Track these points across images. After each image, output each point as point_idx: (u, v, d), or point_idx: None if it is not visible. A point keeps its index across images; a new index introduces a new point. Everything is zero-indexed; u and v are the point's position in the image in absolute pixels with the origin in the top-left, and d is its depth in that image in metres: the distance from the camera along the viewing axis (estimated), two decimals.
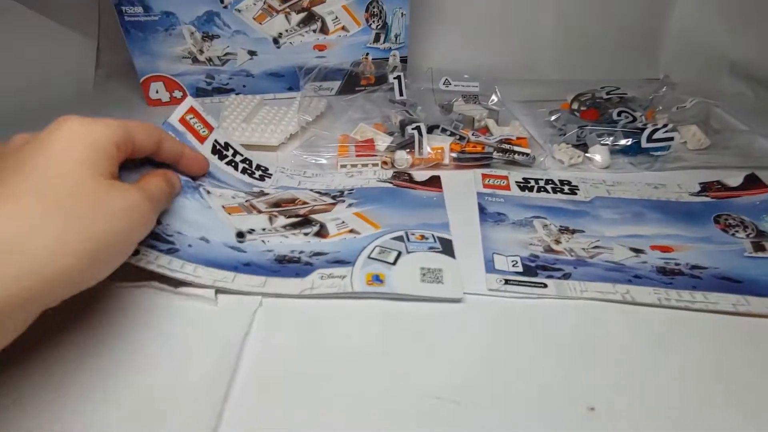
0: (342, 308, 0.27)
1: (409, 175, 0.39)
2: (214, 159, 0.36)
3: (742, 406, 0.22)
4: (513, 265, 0.30)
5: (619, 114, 0.44)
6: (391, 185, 0.38)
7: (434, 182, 0.38)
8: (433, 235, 0.32)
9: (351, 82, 0.54)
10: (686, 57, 0.61)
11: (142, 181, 0.27)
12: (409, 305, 0.27)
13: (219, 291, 0.27)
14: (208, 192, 0.34)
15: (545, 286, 0.28)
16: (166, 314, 0.26)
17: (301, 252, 0.31)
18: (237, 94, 0.53)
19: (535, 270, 0.30)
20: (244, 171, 0.38)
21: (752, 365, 0.24)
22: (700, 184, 0.38)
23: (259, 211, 0.35)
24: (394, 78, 0.48)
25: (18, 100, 0.52)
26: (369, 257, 0.30)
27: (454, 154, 0.39)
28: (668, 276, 0.29)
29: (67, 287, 0.21)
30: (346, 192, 0.37)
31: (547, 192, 0.37)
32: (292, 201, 0.36)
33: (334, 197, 0.37)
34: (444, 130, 0.41)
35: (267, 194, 0.37)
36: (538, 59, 0.63)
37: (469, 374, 0.24)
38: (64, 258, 0.20)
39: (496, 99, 0.49)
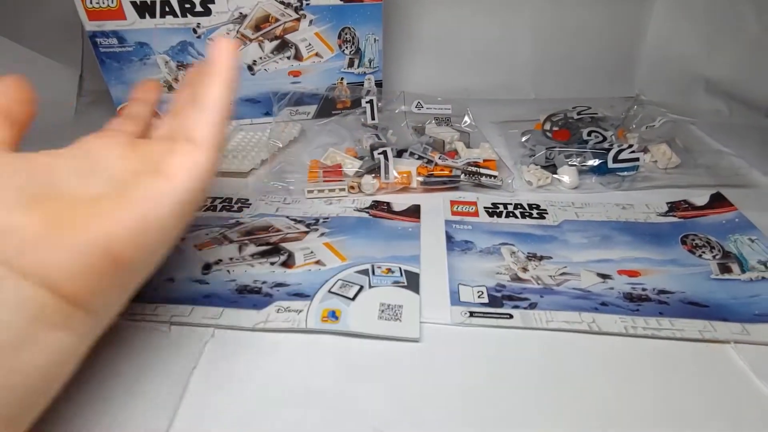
0: (295, 342, 0.27)
1: (388, 204, 0.39)
2: None
3: None
4: (479, 296, 0.29)
5: (589, 134, 0.44)
6: (367, 215, 0.38)
7: (413, 212, 0.38)
8: (400, 269, 0.32)
9: (327, 106, 0.54)
10: (662, 75, 0.62)
11: None
12: (364, 339, 0.27)
13: (173, 324, 0.27)
14: (183, 239, 0.35)
15: (511, 317, 0.28)
16: (117, 344, 0.26)
17: (263, 282, 0.31)
18: None
19: (501, 300, 0.29)
20: (223, 209, 0.38)
21: (716, 394, 0.24)
22: (668, 203, 0.38)
23: (231, 241, 0.35)
24: (367, 102, 0.49)
25: None
26: (329, 291, 0.30)
27: (420, 178, 0.39)
28: (635, 302, 0.29)
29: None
30: (321, 220, 0.37)
31: (516, 217, 0.37)
32: (266, 228, 0.36)
33: (308, 225, 0.36)
34: (412, 154, 0.41)
35: (242, 223, 0.37)
36: (515, 79, 0.64)
37: (418, 407, 0.23)
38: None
39: (468, 121, 0.49)
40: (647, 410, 0.23)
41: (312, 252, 0.34)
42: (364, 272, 0.31)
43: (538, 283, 0.30)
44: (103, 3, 0.44)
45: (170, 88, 0.51)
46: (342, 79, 0.54)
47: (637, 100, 0.50)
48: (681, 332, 0.27)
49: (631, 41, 0.63)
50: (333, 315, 0.28)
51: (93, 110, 0.59)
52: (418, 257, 0.33)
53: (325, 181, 0.39)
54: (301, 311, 0.28)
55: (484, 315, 0.28)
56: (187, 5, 0.46)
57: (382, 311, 0.28)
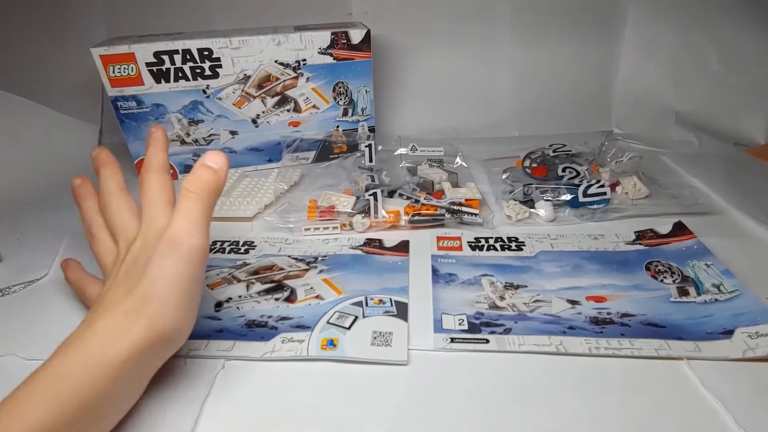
0: (298, 368, 0.30)
1: (380, 241, 0.43)
2: None
3: None
4: (459, 324, 0.33)
5: (564, 170, 0.48)
6: (361, 252, 0.42)
7: (402, 247, 0.42)
8: (390, 299, 0.35)
9: (325, 150, 0.59)
10: (636, 109, 0.66)
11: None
12: (359, 364, 0.30)
13: (189, 357, 0.31)
14: None
15: (487, 341, 0.31)
16: None
17: (269, 316, 0.34)
18: None
19: (479, 327, 0.32)
20: (230, 251, 0.42)
21: (669, 404, 0.27)
22: (636, 232, 0.41)
23: (239, 281, 0.39)
24: (366, 146, 0.53)
25: (27, 182, 0.58)
26: (328, 322, 0.33)
27: (407, 217, 0.43)
28: (600, 325, 0.32)
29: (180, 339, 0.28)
30: (320, 258, 0.41)
31: (496, 250, 0.40)
32: (270, 267, 0.40)
33: (308, 263, 0.40)
34: (401, 195, 0.45)
35: (249, 264, 0.41)
36: (500, 118, 0.68)
37: (405, 424, 0.26)
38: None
39: (459, 162, 0.53)
40: (607, 422, 0.26)
41: (312, 288, 0.37)
42: (359, 304, 0.35)
43: (514, 310, 0.34)
44: (124, 72, 0.50)
45: (183, 142, 0.56)
46: (338, 126, 0.59)
47: (609, 136, 0.54)
48: (639, 351, 0.30)
49: (606, 78, 0.67)
50: (331, 343, 0.31)
51: None
52: (407, 288, 0.36)
53: (320, 220, 0.44)
54: (303, 341, 0.32)
55: (463, 341, 0.31)
56: (198, 70, 0.52)
57: (375, 338, 0.32)
